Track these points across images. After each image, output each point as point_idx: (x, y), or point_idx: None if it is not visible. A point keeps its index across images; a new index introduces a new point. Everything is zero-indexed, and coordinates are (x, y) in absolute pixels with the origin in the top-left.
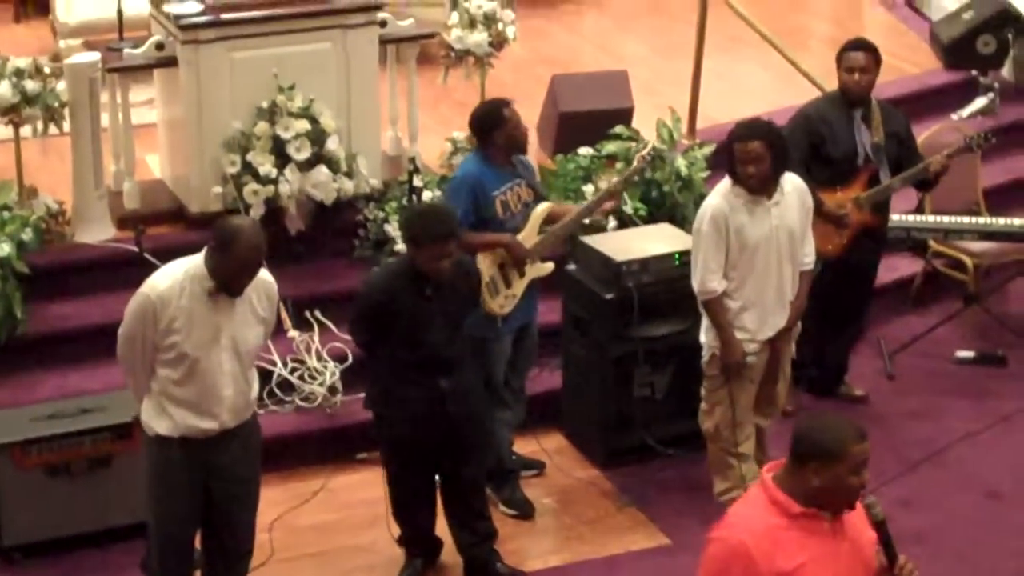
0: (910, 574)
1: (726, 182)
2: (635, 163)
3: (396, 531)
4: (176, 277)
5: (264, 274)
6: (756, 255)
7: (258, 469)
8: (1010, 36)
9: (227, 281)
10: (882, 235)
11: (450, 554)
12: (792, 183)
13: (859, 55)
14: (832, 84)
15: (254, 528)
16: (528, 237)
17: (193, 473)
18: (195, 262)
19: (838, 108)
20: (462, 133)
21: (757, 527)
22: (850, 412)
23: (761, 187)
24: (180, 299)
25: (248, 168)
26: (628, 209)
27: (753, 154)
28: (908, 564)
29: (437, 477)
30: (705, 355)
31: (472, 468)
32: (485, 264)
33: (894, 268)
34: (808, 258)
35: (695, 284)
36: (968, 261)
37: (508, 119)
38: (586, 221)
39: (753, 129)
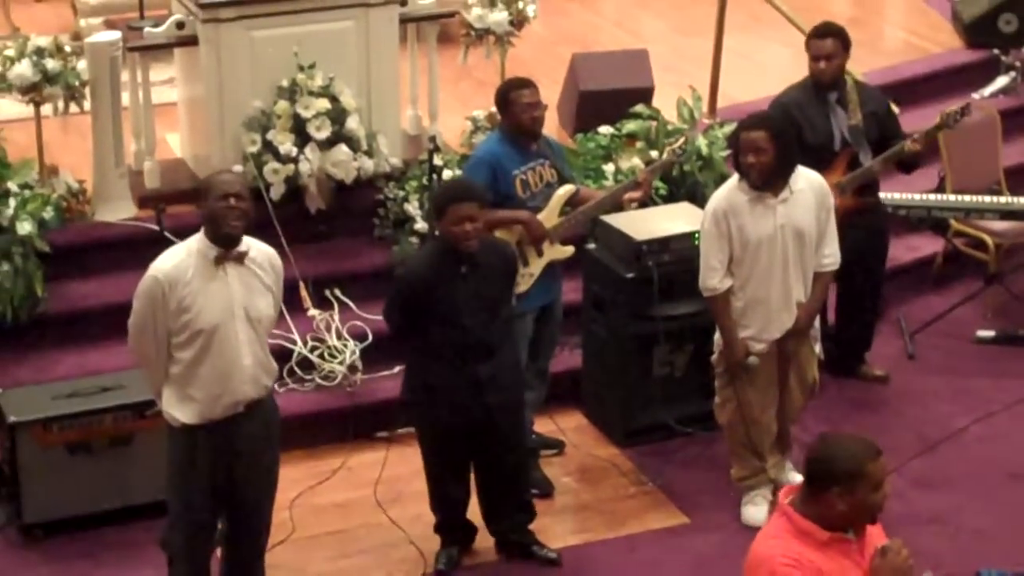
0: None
1: (734, 178)
2: (665, 155)
3: (396, 514)
4: (180, 256)
5: (264, 246)
6: (759, 253)
7: (277, 451)
8: None
9: (220, 222)
10: (876, 214)
11: (484, 538)
12: (808, 180)
13: (826, 42)
14: (854, 64)
15: (272, 507)
16: (548, 217)
17: (217, 458)
18: (195, 238)
19: (811, 94)
20: (482, 112)
21: (790, 558)
22: (871, 392)
23: (761, 180)
24: (187, 276)
25: (268, 147)
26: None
27: (755, 144)
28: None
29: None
30: (715, 352)
31: (515, 455)
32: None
33: (915, 247)
34: (828, 260)
35: (699, 280)
36: (989, 240)
37: (513, 102)
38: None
39: (759, 119)
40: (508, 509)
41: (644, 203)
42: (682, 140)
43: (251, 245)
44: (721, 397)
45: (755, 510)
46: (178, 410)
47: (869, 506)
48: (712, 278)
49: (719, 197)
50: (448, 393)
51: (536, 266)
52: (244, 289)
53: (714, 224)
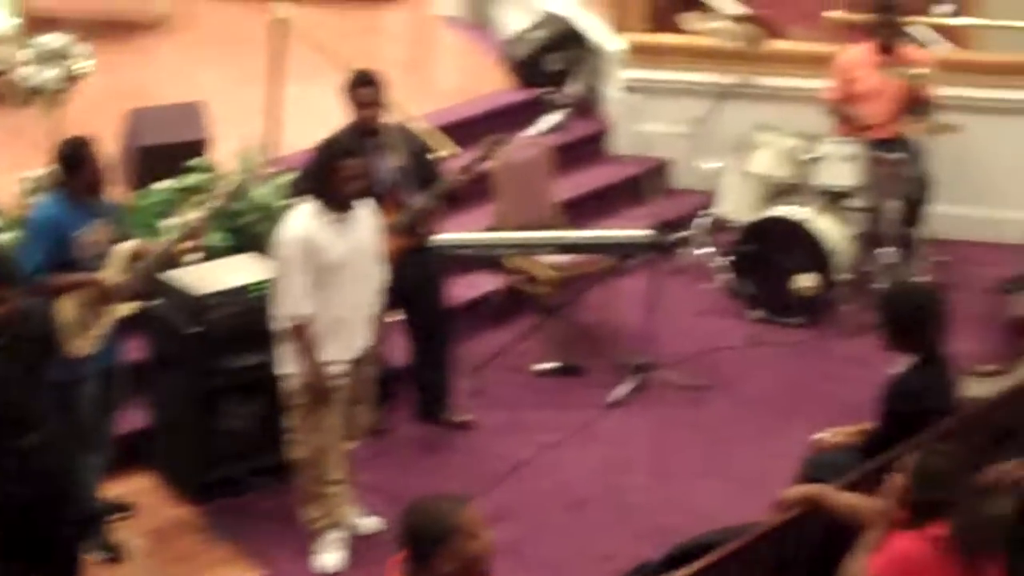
0: None
1: (308, 204)
2: (215, 200)
3: None
4: None
5: None
6: (340, 275)
7: None
8: (575, 54)
9: None
10: (430, 251)
11: None
12: (362, 202)
13: (369, 90)
14: (405, 106)
15: None
16: (113, 275)
17: None
18: None
19: (355, 140)
20: (38, 171)
21: None
22: (437, 432)
23: (355, 202)
24: None
25: None
26: (211, 242)
27: (359, 169)
28: None
29: None
30: (289, 384)
31: (65, 526)
32: (69, 305)
33: (474, 285)
34: (383, 275)
35: (281, 310)
36: (545, 275)
37: (89, 159)
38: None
39: (350, 148)
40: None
41: (204, 251)
42: (228, 183)
43: None
44: (298, 432)
45: (329, 557)
46: None
47: (474, 558)
48: (296, 305)
49: (297, 223)
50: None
51: (103, 326)
52: None
53: (298, 250)
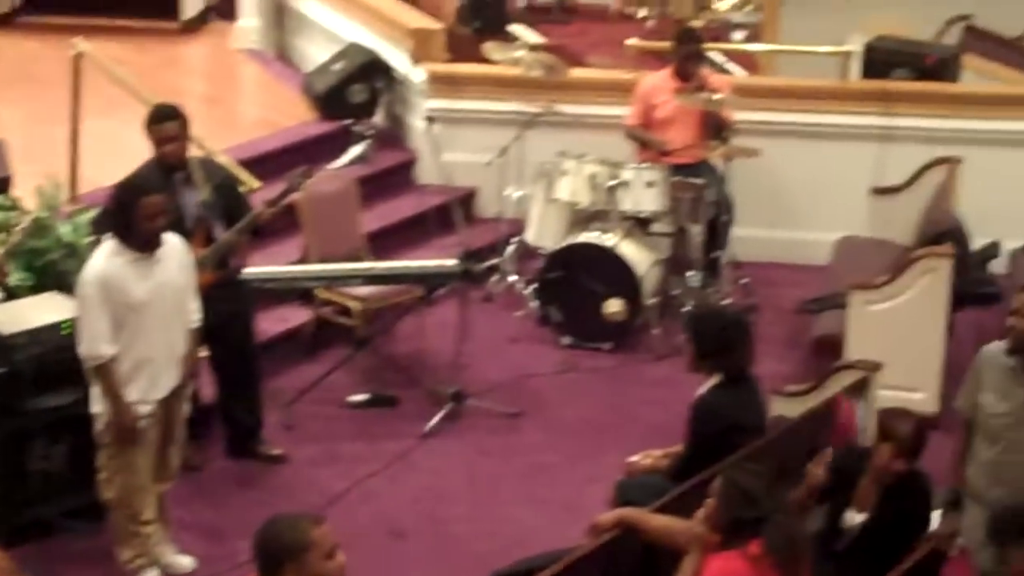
0: None
1: (109, 243)
2: (12, 237)
3: None
4: None
5: None
6: (144, 314)
7: None
8: (380, 85)
9: None
10: (238, 285)
11: None
12: (170, 239)
13: (168, 125)
14: (207, 140)
15: None
16: None
17: None
18: None
19: (157, 176)
20: None
21: None
22: (251, 468)
23: (160, 239)
24: None
25: None
26: (13, 280)
27: (159, 206)
28: None
29: None
30: (98, 424)
31: None
32: None
33: (284, 319)
34: (195, 315)
35: (82, 350)
36: (355, 306)
37: None
38: None
39: (150, 184)
40: None
41: (7, 290)
42: (26, 220)
43: None
44: (108, 472)
45: None
46: None
47: (327, 574)
48: (100, 345)
49: (100, 263)
50: None
51: None
52: None
53: (98, 289)
